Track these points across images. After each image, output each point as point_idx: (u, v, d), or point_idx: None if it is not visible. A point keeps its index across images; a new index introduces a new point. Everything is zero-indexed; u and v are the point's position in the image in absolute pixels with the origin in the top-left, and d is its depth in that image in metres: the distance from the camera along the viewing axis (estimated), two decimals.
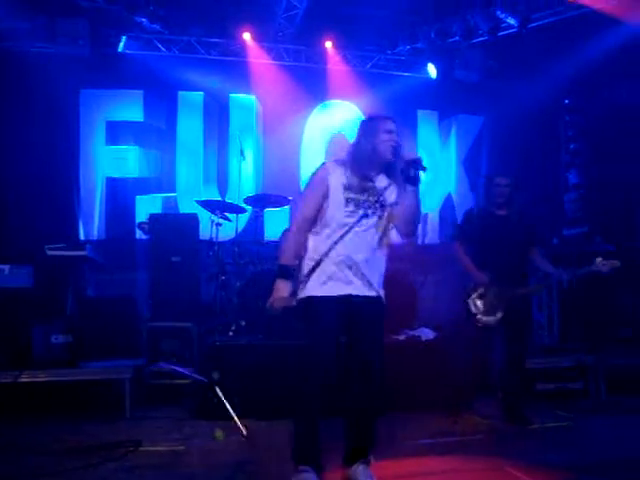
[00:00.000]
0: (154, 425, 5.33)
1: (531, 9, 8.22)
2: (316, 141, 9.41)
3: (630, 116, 8.77)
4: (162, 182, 8.92)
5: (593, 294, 7.23)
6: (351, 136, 3.83)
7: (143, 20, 8.18)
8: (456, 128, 9.98)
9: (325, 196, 3.63)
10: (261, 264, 7.08)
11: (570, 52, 8.36)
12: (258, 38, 8.85)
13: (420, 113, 9.94)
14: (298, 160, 9.34)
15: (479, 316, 5.25)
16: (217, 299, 7.10)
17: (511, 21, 8.32)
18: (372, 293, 3.67)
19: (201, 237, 7.41)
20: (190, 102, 9.07)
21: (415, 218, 3.71)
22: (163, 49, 8.82)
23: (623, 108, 8.97)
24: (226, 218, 7.40)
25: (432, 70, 9.62)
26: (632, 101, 8.99)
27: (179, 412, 5.72)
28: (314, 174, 3.75)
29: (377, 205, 3.65)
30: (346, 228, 3.58)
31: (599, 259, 5.00)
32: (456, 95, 9.69)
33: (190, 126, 9.04)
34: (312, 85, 9.19)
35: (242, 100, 9.24)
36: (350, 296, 3.62)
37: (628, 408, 5.86)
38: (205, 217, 7.41)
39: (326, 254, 3.59)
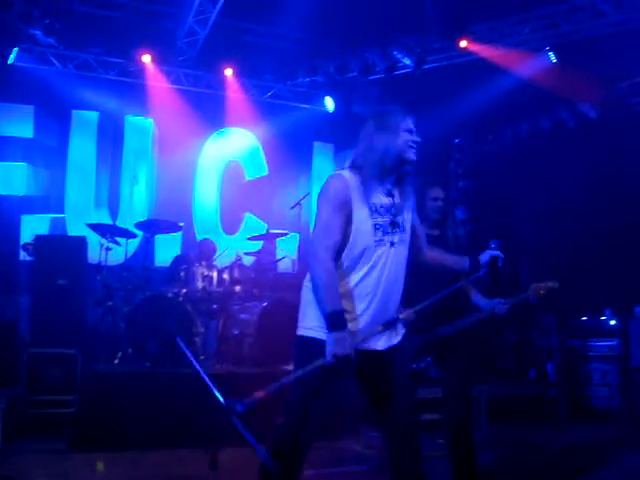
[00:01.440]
0: (31, 459, 5.08)
1: (426, 52, 8.58)
2: (211, 168, 9.39)
3: (512, 156, 9.31)
4: (50, 202, 8.61)
5: (475, 327, 7.50)
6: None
7: (37, 33, 7.92)
8: None
9: (349, 220, 2.95)
10: (150, 290, 6.95)
11: (461, 94, 8.75)
12: (158, 61, 8.75)
13: (316, 145, 10.11)
14: (192, 186, 9.28)
15: None
16: (103, 325, 6.89)
17: (407, 61, 8.65)
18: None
19: (89, 261, 7.19)
20: (84, 121, 8.83)
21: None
22: (58, 64, 8.57)
23: (506, 149, 9.52)
24: (116, 242, 7.24)
25: (329, 103, 9.81)
26: (515, 143, 9.54)
27: (59, 444, 5.46)
28: (330, 188, 3.00)
29: (399, 229, 3.05)
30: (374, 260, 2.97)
31: (534, 284, 4.52)
32: (352, 128, 9.87)
33: (83, 146, 8.79)
34: (210, 111, 9.17)
35: (138, 122, 9.09)
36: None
37: (508, 439, 6.11)
38: (94, 240, 7.21)
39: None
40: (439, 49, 8.64)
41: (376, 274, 2.94)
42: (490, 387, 6.86)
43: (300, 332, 3.01)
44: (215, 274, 7.24)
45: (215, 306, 7.30)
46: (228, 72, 9.11)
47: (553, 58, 8.12)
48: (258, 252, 8.30)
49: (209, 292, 7.18)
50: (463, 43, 8.11)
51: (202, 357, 6.82)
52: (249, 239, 8.03)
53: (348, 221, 2.92)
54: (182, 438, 5.34)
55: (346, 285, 2.93)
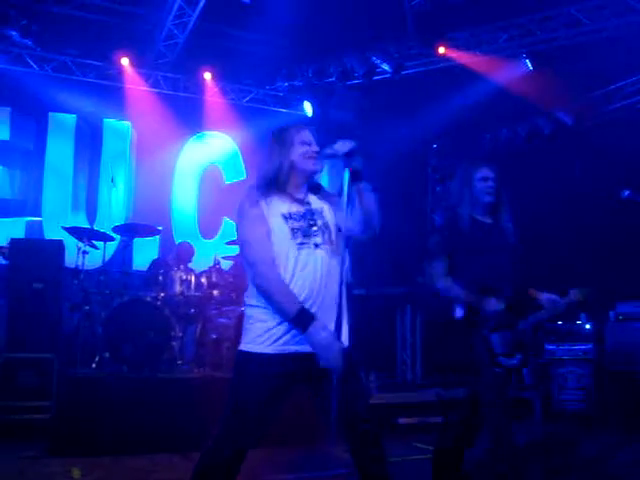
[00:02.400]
0: (6, 465, 5.01)
1: (404, 58, 8.65)
2: (189, 171, 9.37)
3: (490, 162, 9.35)
4: (27, 205, 8.53)
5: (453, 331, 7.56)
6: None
7: (13, 34, 7.84)
8: (329, 166, 10.19)
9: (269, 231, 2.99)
10: (128, 294, 6.91)
11: (439, 100, 8.82)
12: (136, 64, 8.72)
13: None
14: (170, 190, 9.25)
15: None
16: (80, 329, 6.83)
17: (386, 67, 8.70)
18: None
19: (66, 264, 7.13)
20: (61, 124, 8.78)
21: (372, 216, 3.12)
22: (35, 66, 8.51)
23: (485, 155, 9.59)
24: (93, 246, 7.19)
25: (308, 108, 9.83)
26: (493, 149, 9.63)
27: (35, 450, 5.37)
28: (244, 206, 3.06)
29: (321, 231, 3.06)
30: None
31: (574, 290, 4.34)
32: (330, 133, 9.91)
33: (60, 149, 8.74)
34: (188, 115, 9.16)
35: (116, 126, 9.05)
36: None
37: (485, 440, 6.14)
38: (71, 244, 7.15)
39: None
40: (417, 55, 8.71)
41: (309, 275, 2.95)
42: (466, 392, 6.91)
43: (239, 347, 3.03)
44: (193, 278, 7.21)
45: (193, 310, 7.27)
46: (207, 76, 9.11)
47: (529, 65, 8.22)
48: (236, 256, 8.29)
49: (187, 296, 7.15)
50: (441, 49, 8.18)
51: (180, 362, 6.80)
52: (227, 243, 8.02)
53: (268, 232, 2.97)
54: (160, 443, 5.32)
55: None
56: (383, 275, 7.87)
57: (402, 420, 6.56)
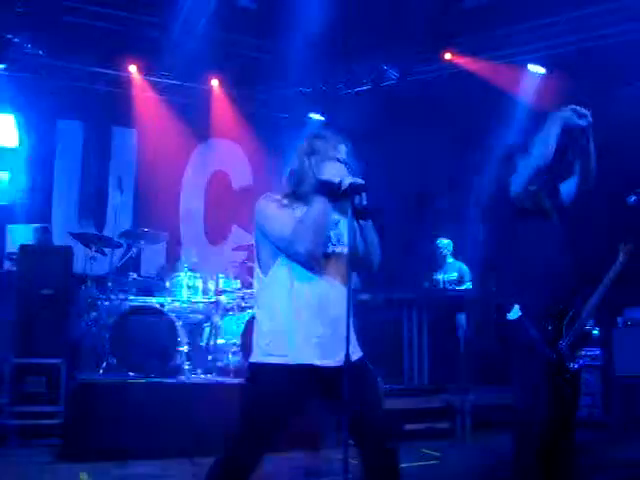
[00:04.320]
0: (16, 470, 5.02)
1: (411, 64, 8.66)
2: (197, 178, 9.40)
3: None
4: (35, 211, 8.57)
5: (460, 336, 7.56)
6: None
7: (24, 42, 7.91)
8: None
9: None
10: (135, 300, 6.94)
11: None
12: (144, 71, 8.77)
13: None
14: (178, 196, 9.28)
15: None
16: (88, 335, 6.86)
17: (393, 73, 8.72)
18: None
19: (74, 270, 7.16)
20: (69, 131, 8.83)
21: (373, 254, 3.05)
22: (44, 74, 8.56)
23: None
24: (101, 252, 7.22)
25: (315, 115, 9.83)
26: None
27: (44, 455, 5.39)
28: (267, 204, 3.01)
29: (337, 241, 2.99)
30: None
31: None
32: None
33: (69, 156, 8.78)
34: (196, 122, 9.19)
35: (124, 132, 9.09)
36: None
37: (492, 448, 6.13)
38: (79, 250, 7.18)
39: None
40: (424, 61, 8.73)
41: (318, 285, 2.90)
42: (474, 397, 6.91)
43: (250, 359, 2.99)
44: (200, 284, 7.23)
45: (200, 316, 7.29)
46: (214, 83, 9.14)
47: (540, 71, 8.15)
48: (243, 262, 8.30)
49: (194, 302, 7.17)
50: (447, 55, 8.19)
51: (187, 367, 6.81)
52: (234, 249, 8.03)
53: (291, 215, 2.90)
54: (168, 449, 5.33)
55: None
56: (389, 279, 7.85)
57: (409, 426, 6.54)
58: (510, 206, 3.55)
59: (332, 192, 2.84)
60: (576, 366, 3.53)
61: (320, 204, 2.85)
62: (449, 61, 8.25)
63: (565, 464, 3.43)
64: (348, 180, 2.81)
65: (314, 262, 2.90)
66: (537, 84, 8.09)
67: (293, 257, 2.90)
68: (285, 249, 2.91)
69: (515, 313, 3.50)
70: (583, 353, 3.64)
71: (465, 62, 8.13)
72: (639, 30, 7.41)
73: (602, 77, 7.81)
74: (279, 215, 2.94)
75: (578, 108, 3.39)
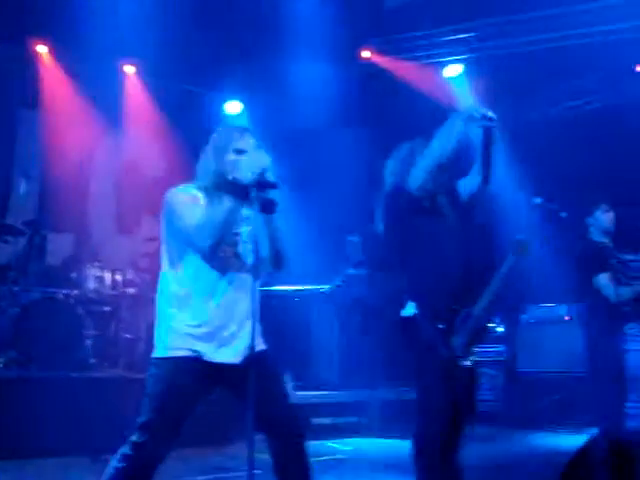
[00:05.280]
0: None
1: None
2: (108, 166, 9.13)
3: None
4: None
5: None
6: None
7: None
8: None
9: None
10: (39, 291, 6.69)
11: None
12: (53, 52, 8.43)
13: None
14: (87, 185, 8.98)
15: None
16: None
17: None
18: None
19: None
20: None
21: (280, 250, 3.03)
22: None
23: None
24: (4, 240, 6.92)
25: (234, 106, 9.73)
26: None
27: None
28: (177, 194, 2.97)
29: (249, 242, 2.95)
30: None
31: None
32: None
33: None
34: (108, 108, 8.90)
35: (31, 116, 8.72)
36: None
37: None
38: None
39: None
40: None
41: (227, 281, 2.92)
42: (383, 393, 7.02)
43: (153, 352, 2.94)
44: (108, 276, 7.05)
45: (107, 309, 7.10)
46: (129, 69, 8.91)
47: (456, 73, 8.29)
48: (154, 254, 8.13)
49: (101, 294, 6.99)
50: (366, 54, 8.24)
51: (93, 361, 6.61)
52: (145, 240, 7.84)
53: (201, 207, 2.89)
54: (70, 445, 5.16)
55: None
56: (302, 272, 7.85)
57: (318, 421, 6.59)
58: (407, 204, 3.54)
59: (238, 188, 2.81)
60: (468, 363, 3.54)
61: (227, 201, 2.83)
62: (367, 60, 8.29)
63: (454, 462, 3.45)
64: (255, 175, 2.77)
65: (215, 258, 2.87)
66: (454, 86, 8.25)
67: (195, 251, 2.87)
68: (189, 243, 2.88)
69: (409, 310, 3.51)
70: (477, 350, 3.64)
71: (383, 62, 8.20)
72: (556, 39, 7.64)
73: (520, 81, 8.06)
74: (187, 208, 2.90)
75: (485, 110, 3.41)
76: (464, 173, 3.76)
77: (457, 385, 3.43)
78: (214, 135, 3.08)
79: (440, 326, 3.45)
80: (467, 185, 3.74)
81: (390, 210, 3.68)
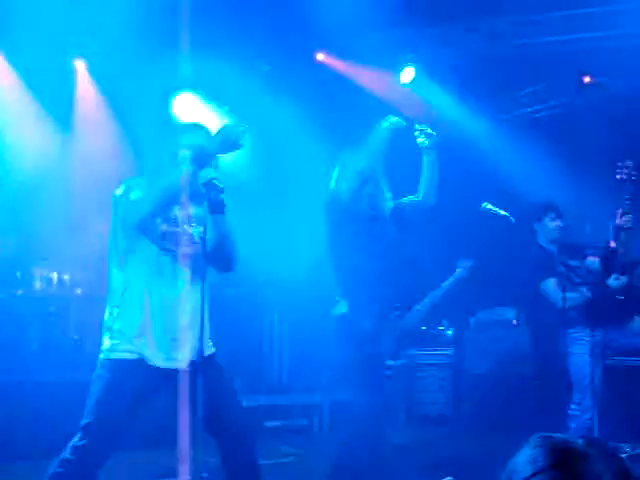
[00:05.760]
0: None
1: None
2: (58, 164, 8.90)
3: None
4: None
5: (319, 334, 7.65)
6: None
7: None
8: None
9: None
10: None
11: None
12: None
13: None
14: (36, 183, 8.75)
15: None
16: None
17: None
18: None
19: None
20: None
21: (229, 251, 3.04)
22: None
23: None
24: None
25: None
26: None
27: None
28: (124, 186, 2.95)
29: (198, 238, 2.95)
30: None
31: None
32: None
33: None
34: (58, 106, 8.68)
35: None
36: None
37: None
38: None
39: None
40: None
41: (173, 281, 2.96)
42: (333, 394, 7.02)
43: (100, 355, 2.94)
44: (55, 275, 6.91)
45: (54, 309, 6.95)
46: (80, 65, 8.72)
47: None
48: (102, 254, 7.98)
49: (48, 294, 6.84)
50: (320, 56, 8.22)
51: (37, 363, 6.46)
52: (94, 239, 7.69)
53: None
54: (9, 450, 5.06)
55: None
56: (252, 274, 7.78)
57: (268, 423, 6.56)
58: (343, 209, 3.73)
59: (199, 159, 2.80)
60: (397, 363, 3.73)
61: (173, 175, 2.82)
62: (321, 62, 8.27)
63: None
64: (209, 175, 2.78)
65: (150, 232, 2.85)
66: (406, 92, 8.26)
67: (130, 228, 2.85)
68: (124, 222, 2.86)
69: (340, 309, 3.61)
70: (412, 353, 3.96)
71: (337, 64, 8.20)
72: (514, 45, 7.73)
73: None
74: (128, 191, 2.89)
75: (424, 127, 3.62)
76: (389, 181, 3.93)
77: (385, 385, 3.61)
78: (169, 137, 3.09)
79: (369, 325, 3.55)
80: (407, 203, 3.90)
81: (328, 215, 3.86)
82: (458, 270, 4.68)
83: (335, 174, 3.85)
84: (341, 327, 3.62)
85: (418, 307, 4.17)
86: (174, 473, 4.82)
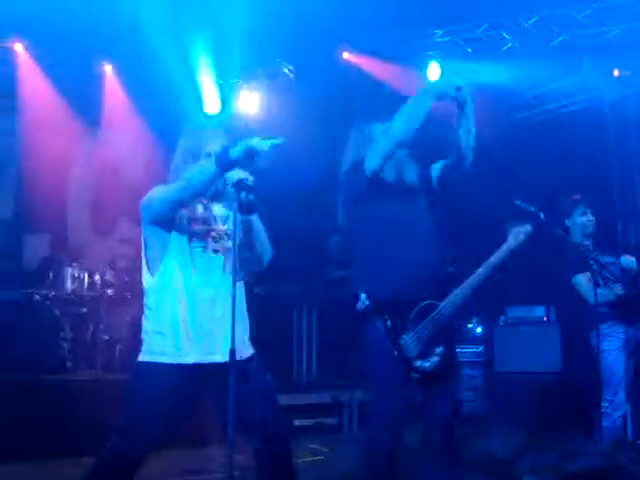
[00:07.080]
0: None
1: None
2: (86, 167, 9.03)
3: None
4: None
5: (347, 333, 7.64)
6: None
7: None
8: None
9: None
10: (15, 292, 6.64)
11: None
12: (30, 50, 8.31)
13: None
14: (65, 185, 8.87)
15: None
16: None
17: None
18: None
19: None
20: None
21: (259, 251, 3.02)
22: None
23: None
24: None
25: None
26: None
27: None
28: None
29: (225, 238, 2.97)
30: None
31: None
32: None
33: None
34: (86, 108, 8.79)
35: (5, 115, 8.57)
36: None
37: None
38: None
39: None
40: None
41: (207, 280, 2.96)
42: (361, 393, 7.01)
43: (139, 358, 2.93)
44: (86, 276, 6.99)
45: (85, 310, 7.03)
46: (107, 68, 8.81)
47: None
48: (132, 255, 8.05)
49: (79, 295, 6.92)
50: (345, 55, 8.22)
51: (70, 364, 6.54)
52: (122, 242, 7.77)
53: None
54: (49, 448, 5.12)
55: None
56: (281, 273, 7.80)
57: (297, 422, 6.57)
58: (365, 183, 3.20)
59: (223, 164, 2.73)
60: (427, 364, 3.10)
61: (194, 172, 2.81)
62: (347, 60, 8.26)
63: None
64: (237, 175, 2.75)
65: (168, 222, 2.87)
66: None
67: (152, 220, 2.90)
68: (145, 207, 2.91)
69: (362, 303, 3.14)
70: (440, 350, 3.15)
71: (362, 62, 8.18)
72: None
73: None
74: (158, 188, 2.92)
75: (455, 81, 3.13)
76: (434, 154, 3.47)
77: (412, 388, 3.14)
78: (181, 139, 3.06)
79: (388, 321, 3.07)
80: (438, 168, 3.45)
81: (348, 192, 3.37)
82: (510, 239, 3.52)
83: (353, 141, 3.42)
84: (359, 324, 3.21)
85: (451, 299, 3.25)
86: (206, 471, 4.90)
